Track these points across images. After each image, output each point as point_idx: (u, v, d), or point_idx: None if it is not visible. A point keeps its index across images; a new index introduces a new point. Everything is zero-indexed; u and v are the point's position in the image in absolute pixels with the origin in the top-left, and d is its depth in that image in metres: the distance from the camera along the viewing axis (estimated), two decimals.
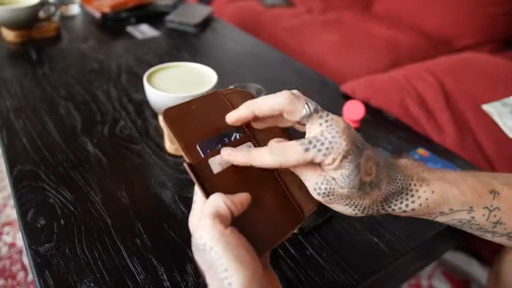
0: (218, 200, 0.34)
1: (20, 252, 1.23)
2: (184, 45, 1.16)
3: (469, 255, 1.14)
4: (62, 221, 0.54)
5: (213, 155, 0.38)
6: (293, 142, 0.36)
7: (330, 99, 0.88)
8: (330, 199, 0.37)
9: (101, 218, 0.54)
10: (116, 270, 0.48)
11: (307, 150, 0.35)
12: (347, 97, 0.89)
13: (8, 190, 1.38)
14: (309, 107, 0.36)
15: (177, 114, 0.39)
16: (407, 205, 0.38)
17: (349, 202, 0.37)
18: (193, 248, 0.34)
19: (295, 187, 0.41)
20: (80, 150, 0.67)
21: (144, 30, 1.24)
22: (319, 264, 0.50)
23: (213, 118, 0.41)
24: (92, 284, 0.46)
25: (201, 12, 1.34)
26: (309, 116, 0.36)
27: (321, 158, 0.35)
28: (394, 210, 0.39)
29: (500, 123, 0.92)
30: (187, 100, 0.40)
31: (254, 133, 0.41)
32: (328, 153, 0.34)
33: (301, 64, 1.06)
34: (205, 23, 1.32)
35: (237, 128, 0.41)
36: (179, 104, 0.40)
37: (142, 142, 0.70)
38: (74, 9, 1.35)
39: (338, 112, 0.80)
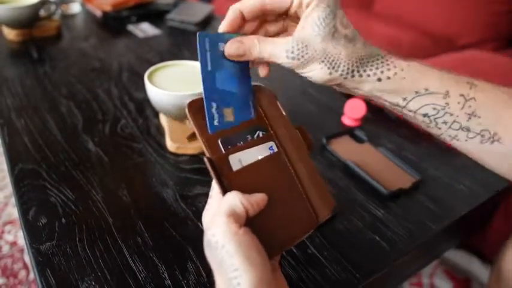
0: (235, 199, 0.34)
1: (22, 250, 1.23)
2: (185, 44, 1.16)
3: (471, 254, 1.14)
4: (63, 220, 0.54)
5: (234, 151, 0.38)
6: None
7: (332, 98, 0.88)
8: (305, 59, 0.37)
9: (102, 217, 0.54)
10: (117, 268, 0.48)
11: None
12: (348, 95, 0.89)
13: (10, 189, 1.38)
14: None
15: (202, 106, 0.38)
16: (382, 72, 0.38)
17: (324, 57, 0.37)
18: (205, 244, 0.34)
19: (313, 192, 0.40)
20: (81, 149, 0.67)
21: (145, 29, 1.24)
22: (320, 263, 0.50)
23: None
24: (93, 283, 0.46)
25: (202, 10, 1.34)
26: None
27: None
28: (369, 76, 0.38)
29: None
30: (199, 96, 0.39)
31: (277, 134, 0.41)
32: None
33: None
34: (206, 22, 1.32)
35: (262, 127, 0.41)
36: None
37: (144, 141, 0.70)
38: (75, 7, 1.35)
39: (340, 110, 0.80)
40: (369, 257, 0.51)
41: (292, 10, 0.39)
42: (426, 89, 0.37)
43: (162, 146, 0.69)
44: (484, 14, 1.45)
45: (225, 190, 0.35)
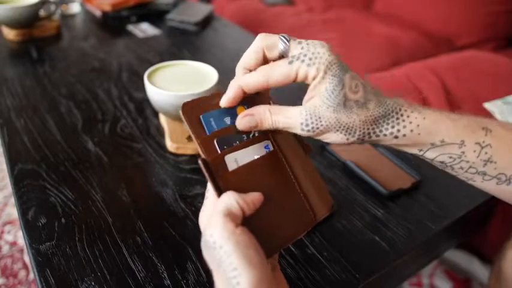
0: (230, 199, 0.34)
1: (21, 251, 1.23)
2: (185, 44, 1.16)
3: (470, 254, 1.14)
4: (63, 220, 0.54)
5: (230, 151, 0.38)
6: (279, 60, 0.38)
7: None
8: (320, 130, 0.37)
9: (101, 217, 0.54)
10: (117, 268, 0.48)
11: (291, 62, 0.36)
12: None
13: (9, 189, 1.38)
14: (284, 37, 0.38)
15: (196, 108, 0.38)
16: (398, 130, 0.37)
17: (339, 126, 0.37)
18: (203, 245, 0.34)
19: (310, 190, 0.41)
20: (81, 149, 0.67)
21: (145, 29, 1.24)
22: (320, 263, 0.50)
23: (233, 113, 0.40)
24: (92, 283, 0.46)
25: (202, 10, 1.34)
26: (288, 44, 0.37)
27: (305, 70, 0.36)
28: (386, 136, 0.38)
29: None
30: (207, 94, 0.40)
31: (273, 132, 0.41)
32: (312, 64, 0.36)
33: None
34: (206, 22, 1.32)
35: None
36: (199, 98, 0.39)
37: (143, 141, 0.70)
38: (75, 7, 1.35)
39: None
40: (369, 257, 0.51)
41: (298, 80, 0.39)
42: (442, 141, 0.38)
43: (161, 146, 0.69)
44: (483, 14, 1.45)
45: (220, 191, 0.35)
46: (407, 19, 1.58)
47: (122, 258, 0.49)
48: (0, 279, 1.14)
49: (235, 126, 0.39)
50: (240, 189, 0.35)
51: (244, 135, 0.39)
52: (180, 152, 0.67)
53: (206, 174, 0.35)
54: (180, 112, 0.38)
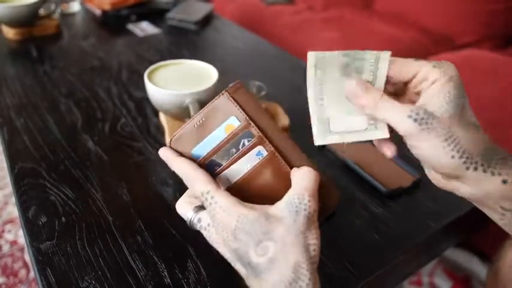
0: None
1: (22, 249, 1.23)
2: (184, 43, 1.16)
3: (470, 252, 1.14)
4: (63, 219, 0.54)
5: (220, 172, 0.38)
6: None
7: None
8: (428, 127, 0.32)
9: (102, 216, 0.54)
10: (117, 267, 0.48)
11: (417, 59, 0.34)
12: None
13: (10, 188, 1.38)
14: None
15: (182, 141, 0.39)
16: (508, 174, 0.32)
17: (449, 137, 0.32)
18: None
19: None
20: (81, 148, 0.67)
21: (145, 28, 1.24)
22: (320, 261, 0.50)
23: (217, 127, 0.39)
24: (93, 281, 0.46)
25: (202, 9, 1.33)
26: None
27: (428, 69, 0.33)
28: (493, 174, 0.32)
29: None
30: (189, 119, 0.39)
31: (265, 131, 0.39)
32: (439, 66, 0.33)
33: (302, 61, 1.06)
34: (206, 20, 1.32)
35: (248, 133, 0.39)
36: (181, 128, 0.39)
37: (143, 139, 0.70)
38: (75, 6, 1.35)
39: None
40: (369, 256, 0.51)
41: (413, 84, 0.35)
42: None
43: (161, 144, 0.69)
44: (483, 12, 1.45)
45: None
46: (407, 18, 1.58)
47: (122, 257, 0.49)
48: (0, 278, 1.14)
49: (224, 143, 0.38)
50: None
51: (233, 149, 0.38)
52: None
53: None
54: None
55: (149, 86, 0.66)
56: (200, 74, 0.72)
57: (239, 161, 0.38)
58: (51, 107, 0.79)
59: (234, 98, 0.39)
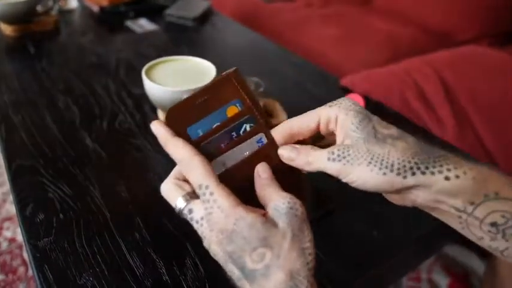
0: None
1: (20, 247, 1.23)
2: (183, 39, 1.15)
3: (468, 249, 1.14)
4: (61, 216, 0.53)
5: (218, 155, 0.36)
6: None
7: (329, 93, 0.88)
8: (347, 160, 0.33)
9: (100, 213, 0.54)
10: (115, 264, 0.48)
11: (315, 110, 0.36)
12: (346, 90, 0.89)
13: (7, 185, 1.38)
14: None
15: (180, 114, 0.36)
16: (449, 169, 0.32)
17: (371, 159, 0.33)
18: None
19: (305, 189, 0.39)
20: (79, 145, 0.67)
21: (143, 24, 1.23)
22: (318, 258, 0.50)
23: (220, 107, 0.36)
24: (90, 278, 0.46)
25: (200, 6, 1.33)
26: None
27: (326, 111, 0.36)
28: (433, 174, 0.32)
29: None
30: (191, 94, 0.36)
31: (266, 117, 0.38)
32: (332, 105, 0.36)
33: (301, 58, 1.06)
34: (204, 17, 1.32)
35: (250, 117, 0.37)
36: (181, 102, 0.36)
37: (142, 136, 0.70)
38: (72, 3, 1.34)
39: None
40: (367, 252, 0.51)
41: (323, 129, 0.37)
42: (496, 193, 0.32)
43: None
44: (482, 9, 1.45)
45: None
46: (407, 14, 1.58)
47: (120, 254, 0.49)
48: None
49: (224, 124, 0.36)
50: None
51: (233, 133, 0.36)
52: None
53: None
54: (160, 113, 0.37)
55: (147, 83, 0.66)
56: (198, 70, 0.72)
57: (239, 146, 0.36)
58: (49, 104, 0.78)
59: (238, 82, 0.37)
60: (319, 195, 0.55)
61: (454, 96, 0.97)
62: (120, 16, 1.28)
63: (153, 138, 0.70)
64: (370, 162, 0.33)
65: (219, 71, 0.70)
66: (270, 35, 1.36)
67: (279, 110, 0.76)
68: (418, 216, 0.57)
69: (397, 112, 0.85)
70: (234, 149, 0.36)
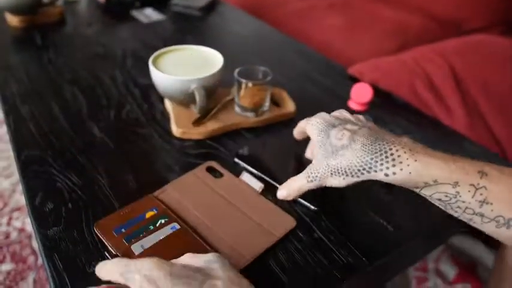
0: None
1: (30, 237, 1.24)
2: (189, 29, 1.14)
3: (476, 239, 1.14)
4: (70, 205, 0.54)
5: (136, 241, 0.45)
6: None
7: (337, 82, 0.87)
8: (319, 178, 0.47)
9: (108, 202, 0.54)
10: None
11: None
12: (354, 80, 0.88)
13: (17, 176, 1.40)
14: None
15: (107, 222, 0.49)
16: (387, 168, 0.42)
17: (332, 172, 0.45)
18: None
19: (265, 218, 0.51)
20: (87, 135, 0.67)
21: (149, 14, 1.23)
22: (327, 247, 0.50)
23: (140, 214, 0.50)
24: None
25: None
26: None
27: (309, 128, 0.51)
28: (376, 172, 0.42)
29: None
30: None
31: (180, 215, 0.50)
32: (308, 121, 0.52)
33: (307, 47, 1.05)
34: (211, 6, 1.31)
35: (162, 214, 0.50)
36: (109, 216, 0.50)
37: (149, 126, 0.70)
38: None
39: (345, 95, 0.79)
40: (376, 241, 0.51)
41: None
42: (435, 181, 0.40)
43: (167, 131, 0.68)
44: None
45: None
46: (414, 3, 1.56)
47: None
48: (9, 265, 1.15)
49: (143, 222, 0.48)
50: None
51: (151, 226, 0.48)
52: (185, 137, 0.66)
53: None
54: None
55: (154, 72, 0.66)
56: (205, 59, 0.71)
57: (155, 233, 0.47)
58: (56, 94, 0.78)
59: (157, 198, 0.53)
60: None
61: (464, 85, 0.96)
62: (126, 6, 1.27)
63: (161, 128, 0.70)
64: (332, 174, 0.46)
65: (225, 60, 0.70)
66: (276, 24, 1.35)
67: (287, 98, 0.75)
68: (427, 207, 0.57)
69: (406, 101, 0.84)
70: (150, 235, 0.46)
